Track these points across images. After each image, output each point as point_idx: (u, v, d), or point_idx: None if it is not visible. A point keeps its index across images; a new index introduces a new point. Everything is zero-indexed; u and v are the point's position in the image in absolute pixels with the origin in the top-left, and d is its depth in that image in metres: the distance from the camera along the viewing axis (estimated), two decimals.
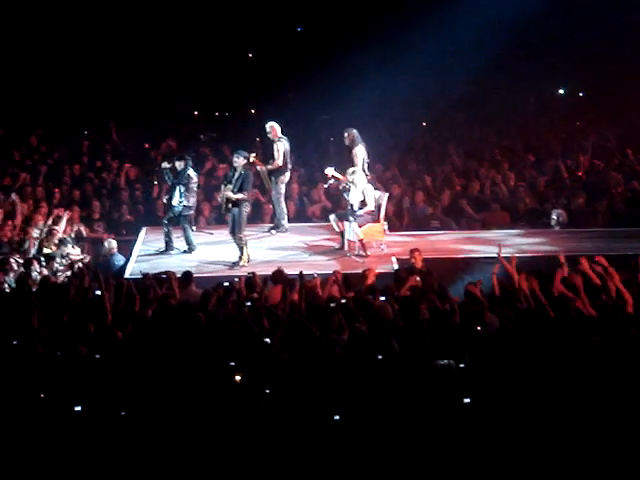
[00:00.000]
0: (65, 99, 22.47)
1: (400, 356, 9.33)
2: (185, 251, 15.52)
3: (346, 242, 15.20)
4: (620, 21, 21.22)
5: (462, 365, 9.13)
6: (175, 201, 15.44)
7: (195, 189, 15.60)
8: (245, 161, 14.90)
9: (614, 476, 8.00)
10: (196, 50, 23.09)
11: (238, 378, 8.96)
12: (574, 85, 23.08)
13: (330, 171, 15.62)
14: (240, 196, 14.68)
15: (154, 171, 18.75)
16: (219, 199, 15.29)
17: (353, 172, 15.13)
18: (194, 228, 16.18)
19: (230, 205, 14.76)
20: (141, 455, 8.36)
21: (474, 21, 21.07)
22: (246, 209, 14.87)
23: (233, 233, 14.78)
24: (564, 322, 10.09)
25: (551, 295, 10.95)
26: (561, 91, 23.17)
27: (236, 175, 14.80)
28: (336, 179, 15.58)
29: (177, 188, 15.43)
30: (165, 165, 15.64)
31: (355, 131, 15.80)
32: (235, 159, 14.89)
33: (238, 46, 23.96)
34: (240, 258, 14.67)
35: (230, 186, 14.72)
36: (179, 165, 15.48)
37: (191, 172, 15.53)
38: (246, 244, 14.76)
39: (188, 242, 15.54)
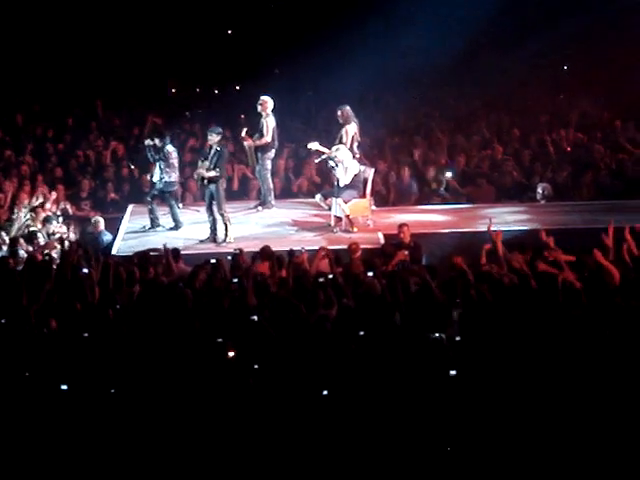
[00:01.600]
0: (51, 77, 22.34)
1: (390, 330, 9.38)
2: (172, 228, 15.51)
3: (332, 218, 15.23)
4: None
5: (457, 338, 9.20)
6: (156, 177, 15.44)
7: (176, 164, 15.49)
8: (219, 137, 14.86)
9: (603, 452, 8.05)
10: (181, 27, 22.97)
11: (231, 354, 8.98)
12: (559, 58, 23.04)
13: (314, 145, 15.62)
14: (213, 173, 14.63)
15: (136, 149, 18.75)
16: (194, 176, 15.27)
17: (337, 149, 15.13)
18: (180, 205, 16.18)
19: (206, 182, 14.74)
20: (131, 433, 8.39)
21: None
22: (223, 185, 14.85)
23: (210, 210, 14.76)
24: (549, 295, 10.14)
25: (536, 269, 11.00)
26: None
27: (212, 152, 14.78)
28: (321, 153, 15.60)
29: (157, 164, 15.41)
30: (148, 142, 15.59)
31: (348, 108, 15.69)
32: (209, 136, 14.86)
33: (223, 22, 23.87)
34: (225, 235, 14.67)
35: (206, 163, 14.71)
36: (158, 142, 15.44)
37: (169, 147, 15.46)
38: (229, 220, 14.75)
39: (175, 219, 15.53)
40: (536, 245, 12.26)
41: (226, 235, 14.68)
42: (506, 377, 8.62)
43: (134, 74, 22.62)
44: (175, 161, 15.50)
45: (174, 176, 15.51)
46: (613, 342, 8.91)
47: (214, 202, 14.72)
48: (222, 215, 14.70)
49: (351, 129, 15.57)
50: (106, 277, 11.66)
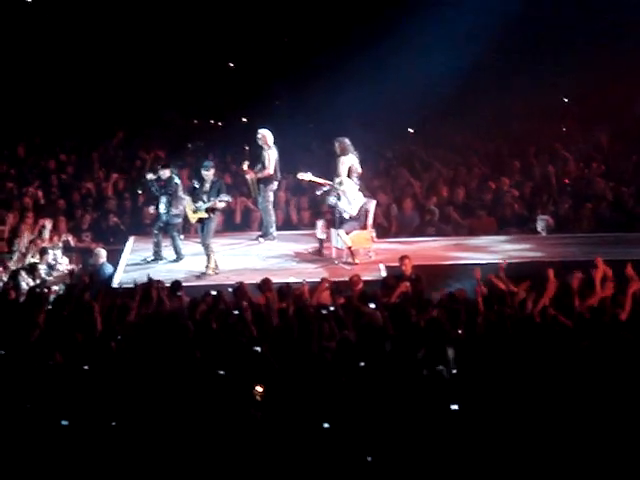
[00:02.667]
0: (52, 109, 22.42)
1: (390, 363, 9.36)
2: (173, 260, 15.52)
3: (334, 250, 15.25)
4: (606, 26, 21.36)
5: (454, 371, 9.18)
6: (162, 209, 15.45)
7: (182, 197, 15.58)
8: (214, 170, 14.96)
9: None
10: (183, 59, 23.09)
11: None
12: (560, 90, 23.13)
13: (306, 176, 15.70)
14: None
15: (140, 181, 18.78)
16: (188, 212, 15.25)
17: (340, 182, 15.17)
18: (182, 237, 16.20)
19: (211, 213, 14.77)
20: (133, 465, 8.36)
21: (458, 26, 21.18)
22: (217, 217, 14.90)
23: (206, 240, 14.81)
24: (550, 329, 10.15)
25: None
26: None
27: (207, 186, 14.81)
28: (314, 183, 15.67)
29: (163, 198, 15.44)
30: (151, 177, 15.63)
31: (347, 140, 15.77)
32: (205, 172, 14.89)
33: (224, 55, 23.99)
34: (207, 267, 14.68)
35: (200, 203, 14.75)
36: (163, 174, 15.48)
37: (177, 180, 15.56)
38: (212, 252, 14.76)
39: (176, 251, 15.54)
40: (537, 276, 12.27)
41: (207, 267, 14.67)
42: (509, 409, 8.61)
43: (135, 106, 22.70)
44: (182, 194, 15.52)
45: (180, 208, 15.52)
46: (617, 374, 8.92)
47: (203, 232, 14.78)
48: (207, 246, 14.69)
49: (348, 160, 15.61)
50: (107, 309, 11.66)
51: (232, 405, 8.77)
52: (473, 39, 21.03)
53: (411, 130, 21.98)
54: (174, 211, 15.43)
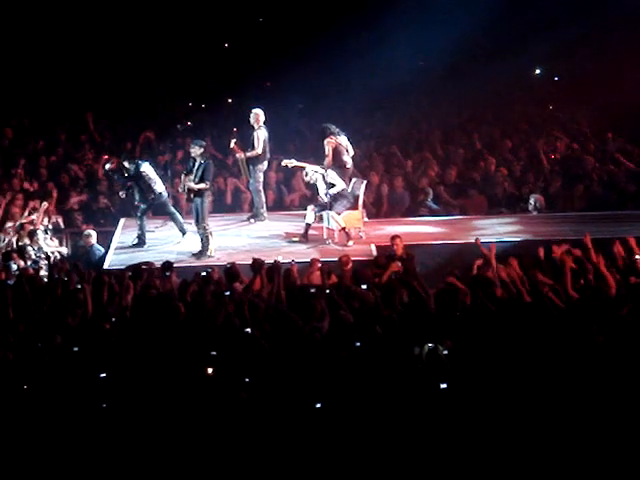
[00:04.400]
0: (41, 90, 22.32)
1: (383, 342, 9.36)
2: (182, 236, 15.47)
3: (325, 230, 15.23)
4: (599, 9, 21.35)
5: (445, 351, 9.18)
6: (137, 198, 15.36)
7: (153, 177, 15.34)
8: (202, 150, 14.82)
9: (595, 462, 8.05)
10: (173, 40, 22.99)
11: (210, 371, 8.95)
12: (551, 69, 23.11)
13: (290, 162, 15.72)
14: (202, 186, 14.62)
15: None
16: (179, 189, 15.21)
17: (324, 167, 15.14)
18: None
19: (192, 195, 14.72)
20: (123, 447, 8.36)
21: (450, 6, 21.14)
22: (208, 199, 14.83)
23: (197, 223, 14.74)
24: (541, 308, 10.15)
25: (530, 281, 11.01)
26: (537, 71, 23.17)
27: (196, 165, 14.75)
28: (298, 168, 15.76)
29: (135, 186, 15.36)
30: (108, 166, 15.69)
31: (329, 125, 15.61)
32: (192, 149, 14.86)
33: (215, 36, 23.90)
34: (205, 248, 14.63)
35: (191, 176, 14.70)
36: (130, 167, 15.39)
37: (143, 167, 15.33)
38: (211, 234, 14.71)
39: (179, 228, 15.48)
40: (529, 256, 12.28)
41: (206, 249, 14.64)
42: (500, 388, 8.61)
43: (125, 87, 22.60)
44: (152, 175, 15.35)
45: (157, 190, 15.39)
46: (608, 350, 8.93)
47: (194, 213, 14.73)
48: (203, 229, 14.66)
49: (332, 140, 15.44)
50: (99, 291, 11.63)
51: (222, 387, 8.76)
52: (463, 21, 20.99)
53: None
54: (151, 195, 15.31)
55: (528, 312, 10.08)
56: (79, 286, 11.51)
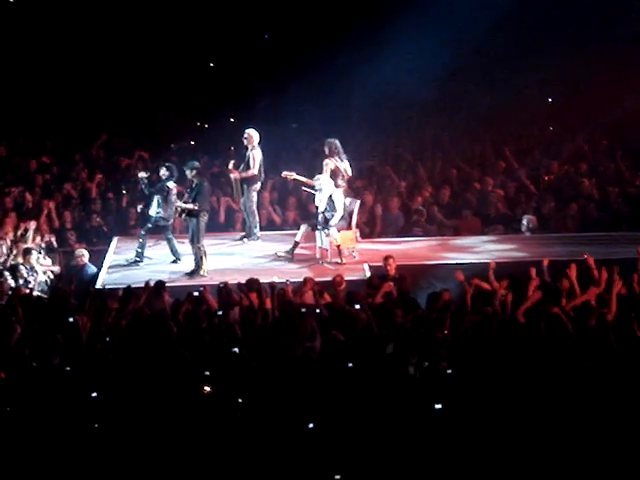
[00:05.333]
0: (36, 109, 22.33)
1: (375, 362, 9.35)
2: (173, 262, 15.39)
3: (317, 250, 15.22)
4: (590, 26, 21.46)
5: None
6: (152, 211, 15.30)
7: (173, 201, 15.34)
8: (195, 171, 14.81)
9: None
10: (166, 59, 23.05)
11: (207, 389, 8.93)
12: (545, 91, 23.18)
13: (289, 174, 15.70)
14: (190, 206, 14.60)
15: (127, 181, 18.73)
16: (175, 210, 15.19)
17: (317, 178, 15.14)
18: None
19: (184, 215, 14.72)
20: (116, 465, 8.33)
21: (443, 29, 21.19)
22: (204, 219, 14.80)
23: (192, 242, 14.72)
24: (536, 331, 10.14)
25: (523, 301, 11.00)
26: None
27: (192, 186, 14.78)
28: (298, 182, 15.73)
29: (155, 198, 15.32)
30: (142, 175, 15.52)
31: (337, 142, 15.58)
32: (186, 171, 14.87)
33: (208, 55, 23.97)
34: (199, 268, 14.60)
35: (185, 197, 14.72)
36: (163, 174, 15.36)
37: (171, 184, 15.38)
38: (205, 254, 14.69)
39: (173, 252, 15.43)
40: (521, 276, 12.26)
41: (200, 268, 14.60)
42: (492, 408, 8.61)
43: (119, 105, 22.64)
44: (173, 197, 15.32)
45: (169, 212, 15.37)
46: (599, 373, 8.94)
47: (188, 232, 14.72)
48: (198, 248, 14.63)
49: (332, 162, 15.49)
50: (91, 311, 11.60)
51: (214, 405, 8.74)
52: (457, 41, 21.07)
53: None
54: (163, 214, 15.29)
55: (522, 333, 10.08)
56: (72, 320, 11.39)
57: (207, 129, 23.23)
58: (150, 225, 15.37)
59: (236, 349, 9.65)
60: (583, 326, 10.12)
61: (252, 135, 16.13)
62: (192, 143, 21.84)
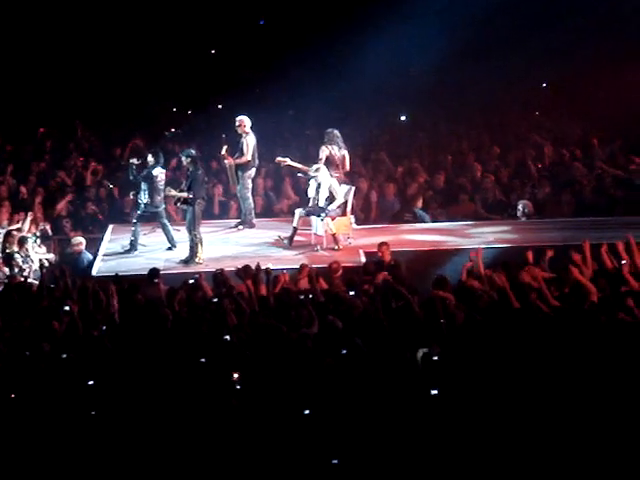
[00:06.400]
0: (30, 97, 22.30)
1: (370, 349, 9.35)
2: (168, 249, 15.36)
3: (313, 236, 15.22)
4: (584, 15, 21.44)
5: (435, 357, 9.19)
6: (142, 199, 15.28)
7: (161, 187, 15.31)
8: (190, 159, 14.75)
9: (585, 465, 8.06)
10: (162, 47, 23.02)
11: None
12: (539, 77, 23.17)
13: (282, 159, 15.67)
14: (185, 195, 14.58)
15: (117, 169, 18.70)
16: (168, 195, 15.16)
17: (317, 169, 15.12)
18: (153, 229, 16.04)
19: (179, 203, 14.70)
20: (113, 453, 8.34)
21: (438, 18, 21.19)
22: (199, 207, 14.77)
23: (188, 230, 14.71)
24: (528, 313, 10.15)
25: (516, 287, 11.00)
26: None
27: (187, 174, 14.76)
28: (292, 168, 15.73)
29: (143, 185, 15.30)
30: (134, 161, 15.47)
31: (336, 132, 15.59)
32: (183, 159, 14.85)
33: (203, 42, 23.92)
34: (195, 255, 14.58)
35: (182, 185, 14.72)
36: (150, 160, 15.31)
37: (156, 171, 15.32)
38: (201, 242, 14.67)
39: (169, 239, 15.40)
40: (517, 263, 12.27)
41: (195, 256, 14.59)
42: (488, 395, 8.61)
43: (113, 94, 22.60)
44: (160, 184, 15.28)
45: (158, 199, 15.33)
46: (590, 357, 8.94)
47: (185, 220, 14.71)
48: (194, 236, 14.62)
49: (327, 149, 15.47)
50: (86, 299, 11.59)
51: (210, 393, 8.75)
52: (453, 28, 21.05)
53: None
54: (151, 201, 15.24)
55: (516, 318, 10.08)
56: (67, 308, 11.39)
57: (201, 116, 23.19)
58: (139, 212, 15.33)
59: (227, 337, 9.66)
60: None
61: (243, 121, 16.08)
62: (179, 132, 21.77)
